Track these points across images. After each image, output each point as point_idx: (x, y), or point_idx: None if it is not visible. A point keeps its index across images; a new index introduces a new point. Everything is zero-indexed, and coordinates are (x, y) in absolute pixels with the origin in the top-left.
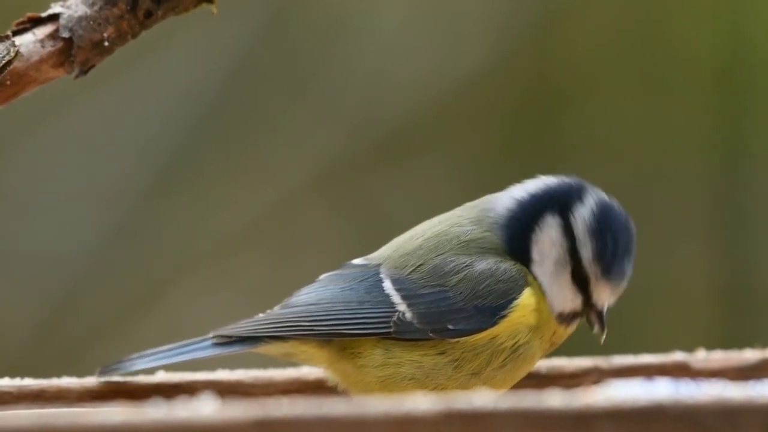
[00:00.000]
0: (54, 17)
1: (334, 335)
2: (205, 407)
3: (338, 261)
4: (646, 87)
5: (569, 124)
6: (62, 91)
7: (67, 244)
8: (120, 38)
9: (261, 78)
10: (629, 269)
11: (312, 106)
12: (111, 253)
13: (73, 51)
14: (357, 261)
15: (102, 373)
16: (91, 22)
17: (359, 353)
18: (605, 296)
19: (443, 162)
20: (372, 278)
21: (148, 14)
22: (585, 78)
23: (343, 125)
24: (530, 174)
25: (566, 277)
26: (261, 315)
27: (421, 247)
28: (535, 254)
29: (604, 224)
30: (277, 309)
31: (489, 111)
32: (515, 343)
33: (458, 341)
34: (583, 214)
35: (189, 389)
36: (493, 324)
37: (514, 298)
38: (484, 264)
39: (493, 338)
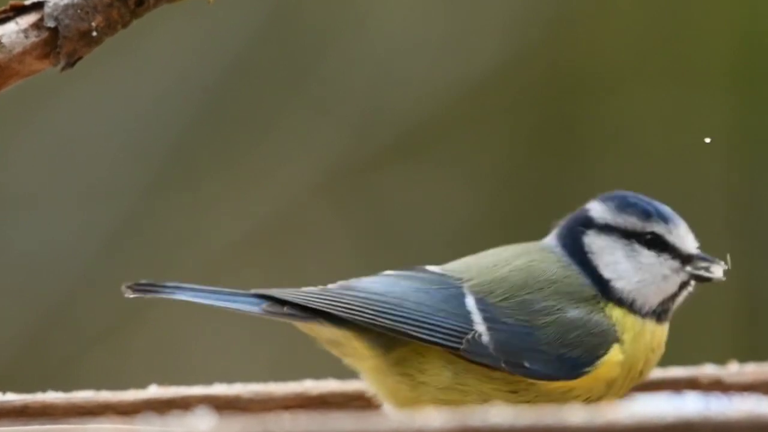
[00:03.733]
0: (38, 5)
1: (398, 333)
2: (201, 423)
3: (345, 266)
4: (666, 81)
5: (583, 121)
6: (47, 85)
7: (57, 250)
8: (109, 28)
9: (262, 73)
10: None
11: (316, 102)
12: (103, 259)
13: (59, 41)
14: (432, 268)
15: (134, 289)
16: (79, 11)
17: (424, 370)
18: (688, 236)
19: (455, 162)
20: (453, 290)
21: (140, 2)
22: (602, 74)
23: (350, 123)
24: (547, 173)
25: (644, 255)
26: (313, 288)
27: (507, 279)
28: (607, 271)
29: (621, 199)
30: (332, 287)
31: (504, 108)
32: (588, 397)
33: (534, 384)
34: (600, 210)
35: (183, 404)
36: (575, 377)
37: (603, 354)
38: (576, 312)
39: (570, 390)
